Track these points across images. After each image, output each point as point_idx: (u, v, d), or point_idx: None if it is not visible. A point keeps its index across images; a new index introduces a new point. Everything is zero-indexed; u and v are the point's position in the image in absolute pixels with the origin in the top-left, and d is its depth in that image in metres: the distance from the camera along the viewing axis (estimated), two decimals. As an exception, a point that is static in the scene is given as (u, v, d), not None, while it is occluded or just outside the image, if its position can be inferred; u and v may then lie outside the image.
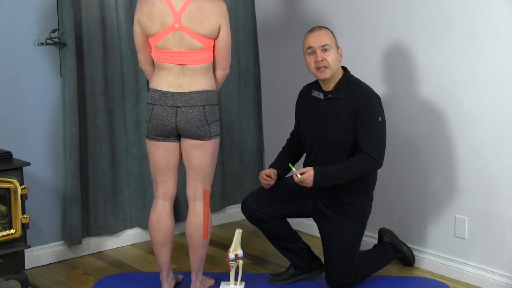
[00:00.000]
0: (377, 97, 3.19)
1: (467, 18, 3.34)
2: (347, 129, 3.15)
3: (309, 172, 3.11)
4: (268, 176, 3.32)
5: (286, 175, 3.42)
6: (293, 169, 3.23)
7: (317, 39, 3.15)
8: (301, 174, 3.11)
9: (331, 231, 3.26)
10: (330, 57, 3.14)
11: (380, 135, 3.13)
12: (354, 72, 3.89)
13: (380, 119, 3.11)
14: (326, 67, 3.14)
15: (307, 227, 4.11)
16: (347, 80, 3.21)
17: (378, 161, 3.11)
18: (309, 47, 3.17)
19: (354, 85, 3.19)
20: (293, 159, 3.42)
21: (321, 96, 3.23)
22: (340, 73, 3.21)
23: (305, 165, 3.31)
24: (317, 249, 3.52)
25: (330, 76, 3.17)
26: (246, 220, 4.53)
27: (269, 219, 3.31)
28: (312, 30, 3.21)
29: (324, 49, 3.14)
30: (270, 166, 3.43)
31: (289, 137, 3.51)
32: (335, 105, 3.19)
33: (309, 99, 3.30)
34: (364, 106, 3.11)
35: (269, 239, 3.43)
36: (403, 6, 3.62)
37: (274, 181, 3.32)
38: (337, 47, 3.20)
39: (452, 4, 3.40)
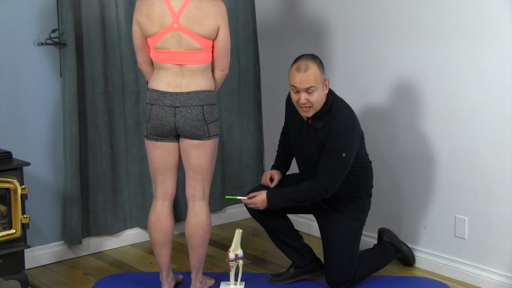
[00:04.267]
0: (349, 133, 3.10)
1: (467, 18, 3.34)
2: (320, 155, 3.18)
3: (261, 195, 3.22)
4: (270, 179, 3.37)
5: (287, 171, 3.47)
6: (238, 197, 3.31)
7: (302, 81, 3.03)
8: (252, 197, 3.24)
9: (330, 227, 3.29)
10: (314, 97, 3.06)
11: (339, 169, 3.11)
12: (354, 74, 3.91)
13: (344, 155, 3.07)
14: (309, 107, 3.10)
15: (306, 227, 4.11)
16: (327, 109, 3.12)
17: (328, 192, 3.14)
18: (293, 86, 3.07)
19: (331, 116, 3.11)
20: (289, 154, 3.45)
21: (304, 117, 3.20)
22: (324, 96, 3.11)
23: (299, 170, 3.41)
24: (317, 249, 3.53)
25: (313, 114, 3.12)
26: (246, 220, 4.53)
27: (272, 211, 3.32)
28: (298, 67, 3.02)
29: (309, 91, 3.05)
30: (272, 168, 3.46)
31: (282, 131, 3.52)
32: (312, 133, 3.18)
33: (295, 112, 3.24)
34: (331, 140, 3.09)
35: (270, 235, 3.43)
36: (404, 7, 3.62)
37: (276, 182, 3.37)
38: (324, 81, 3.07)
39: (452, 5, 3.40)
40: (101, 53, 3.85)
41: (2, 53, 3.54)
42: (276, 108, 4.49)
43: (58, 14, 3.66)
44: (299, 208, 3.40)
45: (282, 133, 3.51)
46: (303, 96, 3.06)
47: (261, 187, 3.38)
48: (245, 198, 3.26)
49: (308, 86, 3.04)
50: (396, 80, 3.71)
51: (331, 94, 3.16)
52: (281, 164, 3.47)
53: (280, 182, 3.38)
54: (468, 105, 3.39)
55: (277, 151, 3.53)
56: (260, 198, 3.21)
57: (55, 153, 3.78)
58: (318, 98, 3.08)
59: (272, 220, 3.37)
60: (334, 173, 3.12)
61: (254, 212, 3.38)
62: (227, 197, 3.40)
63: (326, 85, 3.10)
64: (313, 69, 3.04)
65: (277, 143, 3.57)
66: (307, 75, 3.03)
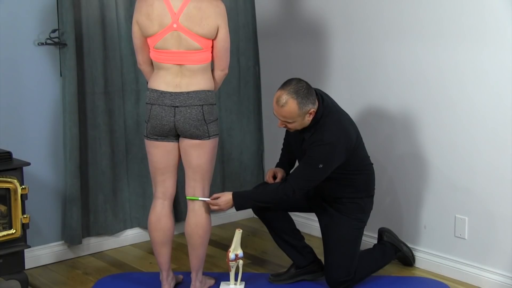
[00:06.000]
0: (331, 146, 3.08)
1: (467, 18, 3.34)
2: None
3: (226, 196, 3.20)
4: (274, 177, 3.38)
5: (291, 169, 3.47)
6: (200, 198, 3.20)
7: (278, 113, 3.07)
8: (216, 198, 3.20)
9: (331, 226, 3.30)
10: (292, 125, 3.11)
11: (313, 177, 3.13)
12: (353, 74, 3.91)
13: (321, 166, 3.08)
14: (290, 128, 3.16)
15: (307, 227, 4.11)
16: (316, 121, 3.12)
17: (295, 194, 3.16)
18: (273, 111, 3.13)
19: (319, 128, 3.12)
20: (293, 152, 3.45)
21: None
22: (309, 120, 3.12)
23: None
24: (317, 249, 3.53)
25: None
26: (246, 220, 4.53)
27: (275, 208, 3.33)
28: (278, 98, 3.03)
29: (286, 121, 3.09)
30: (277, 166, 3.47)
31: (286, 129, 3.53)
32: (301, 141, 3.21)
33: None
34: (312, 150, 3.12)
35: (272, 234, 3.44)
36: (403, 7, 3.62)
37: (279, 180, 3.36)
38: (306, 113, 3.05)
39: (452, 5, 3.40)
40: (101, 53, 3.85)
41: (2, 53, 3.54)
42: (276, 108, 4.49)
43: (58, 14, 3.66)
44: (300, 206, 3.42)
45: (286, 131, 3.52)
46: (280, 122, 3.12)
47: (265, 185, 3.38)
48: (208, 199, 3.21)
49: (284, 119, 3.09)
50: (395, 80, 3.71)
51: (322, 106, 3.13)
52: (284, 162, 3.48)
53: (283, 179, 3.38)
54: (468, 105, 3.39)
55: (282, 149, 3.55)
56: (224, 199, 3.20)
57: (55, 153, 3.78)
58: (296, 126, 3.11)
59: (274, 218, 3.38)
60: (307, 180, 3.14)
61: (257, 210, 3.38)
62: (188, 198, 3.19)
63: (310, 113, 3.08)
64: (290, 106, 3.02)
65: (277, 143, 3.57)
66: (283, 111, 3.05)
